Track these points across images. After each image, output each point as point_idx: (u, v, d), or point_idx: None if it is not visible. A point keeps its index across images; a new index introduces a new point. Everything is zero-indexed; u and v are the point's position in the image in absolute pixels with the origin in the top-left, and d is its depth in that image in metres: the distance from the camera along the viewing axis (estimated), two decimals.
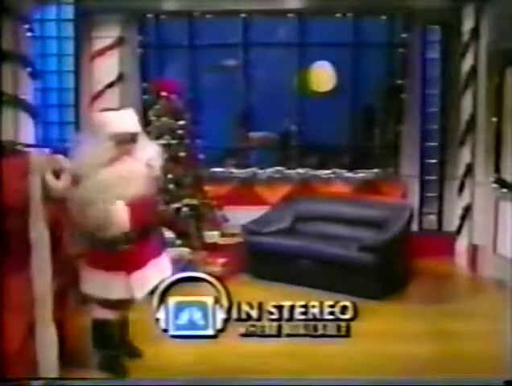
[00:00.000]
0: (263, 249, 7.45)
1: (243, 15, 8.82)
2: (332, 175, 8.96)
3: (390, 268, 6.90)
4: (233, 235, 7.95)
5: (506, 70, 7.41)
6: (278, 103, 8.90)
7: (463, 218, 8.24)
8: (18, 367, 4.14)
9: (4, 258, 3.93)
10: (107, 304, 4.72)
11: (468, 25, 8.07)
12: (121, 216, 4.44)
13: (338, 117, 8.96)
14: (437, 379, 4.71)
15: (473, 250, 8.05)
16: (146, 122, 8.61)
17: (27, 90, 7.28)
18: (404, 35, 8.80)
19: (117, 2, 8.54)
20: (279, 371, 4.91)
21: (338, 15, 8.78)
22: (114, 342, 4.94)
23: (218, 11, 8.74)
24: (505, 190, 7.35)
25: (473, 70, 8.00)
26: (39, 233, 4.34)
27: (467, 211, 8.18)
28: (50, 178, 4.38)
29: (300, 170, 8.98)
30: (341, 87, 8.90)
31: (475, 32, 7.96)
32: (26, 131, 7.16)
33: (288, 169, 9.00)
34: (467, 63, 8.09)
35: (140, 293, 4.65)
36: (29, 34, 7.33)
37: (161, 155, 4.76)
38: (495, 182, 7.54)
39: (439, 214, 8.89)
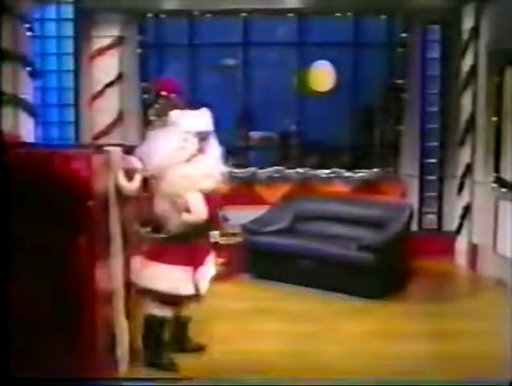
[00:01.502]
0: (263, 249, 7.44)
1: (243, 15, 8.82)
2: (331, 175, 8.96)
3: (389, 267, 6.90)
4: (233, 234, 7.94)
5: (506, 69, 7.41)
6: (278, 102, 8.90)
7: (462, 217, 8.24)
8: (100, 362, 4.20)
9: (92, 249, 4.07)
10: (171, 301, 4.83)
11: (467, 24, 8.07)
12: (200, 206, 4.65)
13: (338, 116, 8.97)
14: (437, 380, 4.72)
15: (473, 249, 8.05)
16: (146, 122, 8.63)
17: (27, 89, 7.30)
18: (404, 35, 8.80)
19: (117, 2, 8.54)
20: (279, 370, 4.90)
21: (338, 15, 8.78)
22: (165, 340, 5.03)
23: (218, 11, 8.73)
24: (504, 189, 7.35)
25: (473, 69, 8.00)
26: (115, 228, 4.50)
27: (466, 210, 8.18)
28: (122, 179, 4.57)
29: (300, 170, 8.98)
30: (341, 86, 8.90)
31: (475, 32, 7.96)
32: (26, 130, 7.19)
33: (288, 168, 9.00)
34: (467, 63, 8.09)
35: (204, 289, 4.86)
36: (29, 33, 7.35)
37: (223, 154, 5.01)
38: (495, 181, 7.54)
39: (439, 213, 8.89)
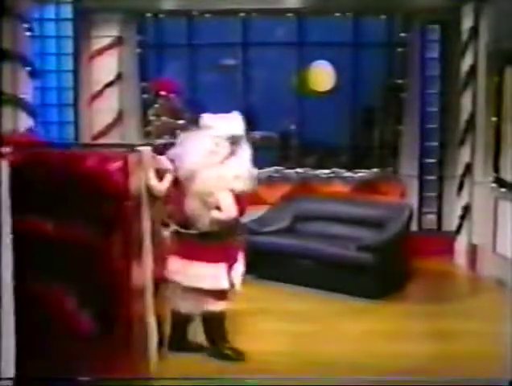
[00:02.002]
0: (263, 249, 7.43)
1: (242, 15, 8.82)
2: (331, 175, 8.96)
3: (388, 267, 6.90)
4: None
5: (506, 69, 7.41)
6: (278, 102, 8.89)
7: (462, 217, 8.23)
8: (134, 361, 4.22)
9: (127, 249, 4.12)
10: (213, 295, 4.93)
11: (467, 24, 8.06)
12: (231, 205, 4.75)
13: (337, 116, 8.96)
14: (437, 379, 4.71)
15: (473, 249, 8.04)
16: (145, 122, 8.64)
17: (27, 89, 7.28)
18: (403, 35, 8.81)
19: (116, 2, 8.53)
20: (279, 370, 4.89)
21: (337, 15, 8.78)
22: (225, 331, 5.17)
23: (217, 11, 8.73)
24: (504, 189, 7.34)
25: (473, 69, 7.99)
26: (146, 227, 4.53)
27: (466, 210, 8.17)
28: (152, 179, 4.61)
29: (300, 170, 8.98)
30: (341, 86, 8.90)
31: (474, 31, 7.95)
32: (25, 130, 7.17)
33: (288, 168, 9.00)
34: (466, 63, 8.08)
35: (239, 284, 5.00)
36: (28, 33, 7.34)
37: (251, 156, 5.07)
38: (494, 181, 7.53)
39: (439, 213, 8.89)
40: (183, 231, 4.86)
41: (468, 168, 8.09)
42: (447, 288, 7.47)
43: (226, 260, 4.91)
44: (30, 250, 3.92)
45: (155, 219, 4.76)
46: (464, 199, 8.20)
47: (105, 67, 8.73)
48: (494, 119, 7.55)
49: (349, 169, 8.98)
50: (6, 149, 3.78)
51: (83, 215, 3.99)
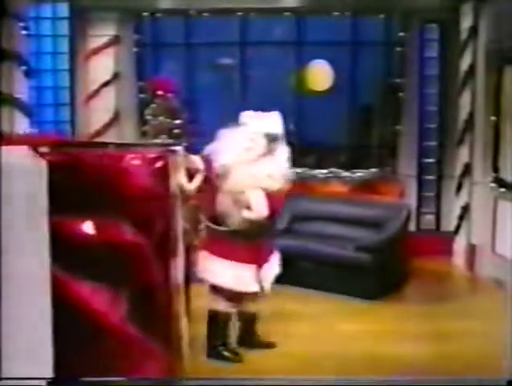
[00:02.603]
0: None
1: (240, 14, 8.79)
2: (329, 175, 8.93)
3: (387, 268, 6.87)
4: None
5: (505, 68, 7.39)
6: (276, 102, 8.81)
7: (461, 217, 8.21)
8: (172, 362, 4.18)
9: (164, 248, 4.09)
10: (235, 296, 4.94)
11: (466, 23, 8.05)
12: (261, 204, 4.71)
13: (336, 116, 8.94)
14: (436, 379, 4.69)
15: (471, 250, 8.02)
16: (142, 121, 8.61)
17: (22, 88, 7.25)
18: (402, 34, 8.79)
19: (113, 1, 8.51)
20: (279, 371, 4.86)
21: (336, 14, 8.76)
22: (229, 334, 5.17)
23: (214, 9, 8.71)
24: (503, 189, 7.31)
25: (471, 68, 7.98)
26: (179, 226, 4.49)
27: (465, 210, 8.15)
28: (183, 177, 4.57)
29: (297, 170, 8.91)
30: (339, 86, 8.88)
31: (473, 31, 7.93)
32: (22, 129, 7.14)
33: None
34: (465, 62, 8.06)
35: (268, 285, 4.99)
36: (24, 32, 7.31)
37: (289, 155, 5.01)
38: (493, 181, 7.50)
39: (437, 213, 8.87)
40: (213, 226, 4.85)
41: (467, 168, 8.07)
42: (445, 288, 7.45)
43: (256, 261, 4.87)
44: (68, 250, 3.90)
45: (185, 218, 4.75)
46: (462, 199, 8.17)
47: (102, 67, 8.70)
48: (493, 118, 7.53)
49: (348, 169, 8.96)
50: (45, 149, 3.77)
51: (121, 215, 3.95)
